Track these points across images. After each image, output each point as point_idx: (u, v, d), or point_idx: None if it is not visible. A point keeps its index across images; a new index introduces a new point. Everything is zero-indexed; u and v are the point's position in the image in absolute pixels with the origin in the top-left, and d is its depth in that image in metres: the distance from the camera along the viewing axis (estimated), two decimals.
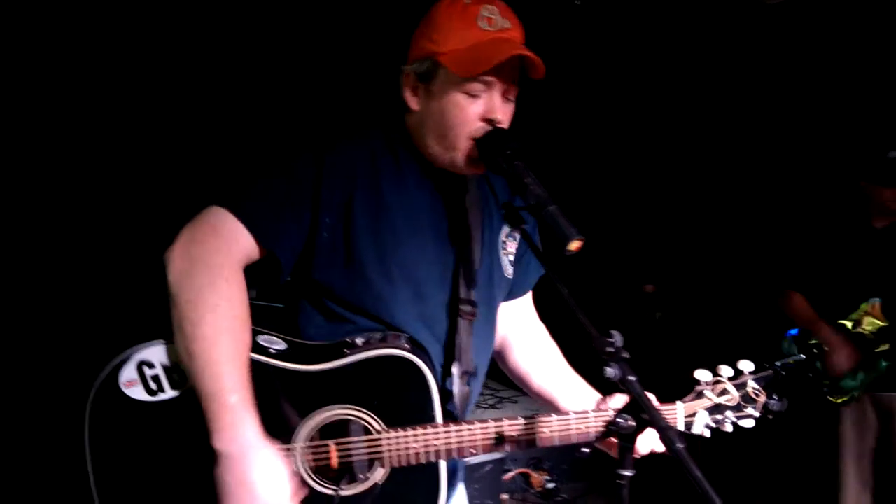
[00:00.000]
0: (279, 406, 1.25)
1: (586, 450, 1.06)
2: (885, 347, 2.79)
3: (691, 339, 4.90)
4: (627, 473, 1.05)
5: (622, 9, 4.48)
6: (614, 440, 1.30)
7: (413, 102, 1.31)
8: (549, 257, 1.20)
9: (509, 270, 1.47)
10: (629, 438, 1.04)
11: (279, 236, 1.26)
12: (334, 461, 1.24)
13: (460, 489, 1.49)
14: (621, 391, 1.06)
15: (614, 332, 1.07)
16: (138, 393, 1.23)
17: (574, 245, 1.12)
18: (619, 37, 4.90)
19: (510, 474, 3.71)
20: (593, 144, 5.83)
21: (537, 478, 3.88)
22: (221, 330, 1.16)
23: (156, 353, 1.23)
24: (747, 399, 1.36)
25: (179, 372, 1.22)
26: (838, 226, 2.96)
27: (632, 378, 1.02)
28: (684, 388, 1.39)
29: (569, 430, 1.30)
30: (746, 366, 1.38)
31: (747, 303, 4.48)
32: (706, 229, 5.96)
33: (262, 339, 1.28)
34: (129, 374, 1.23)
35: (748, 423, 1.37)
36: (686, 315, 5.41)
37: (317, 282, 1.31)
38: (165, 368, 1.23)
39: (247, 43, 3.66)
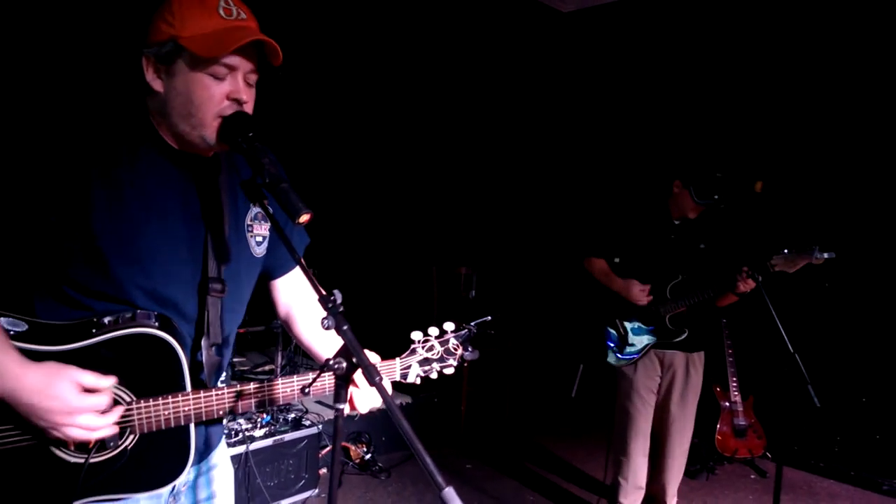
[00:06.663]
0: None
1: (345, 408, 1.27)
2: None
3: (504, 314, 5.31)
4: (341, 406, 1.24)
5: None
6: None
7: (156, 84, 1.36)
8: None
9: (257, 250, 1.56)
10: (344, 378, 1.21)
11: None
12: None
13: (221, 445, 1.61)
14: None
15: (336, 291, 1.22)
16: None
17: (303, 218, 1.26)
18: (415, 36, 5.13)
19: (327, 449, 3.78)
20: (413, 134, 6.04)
21: (356, 450, 4.02)
22: None
23: None
24: (448, 352, 1.65)
25: None
26: (644, 217, 3.43)
27: (345, 327, 1.18)
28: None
29: (293, 388, 1.48)
30: (449, 326, 1.66)
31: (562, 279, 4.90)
32: (520, 216, 6.43)
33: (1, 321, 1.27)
34: None
35: (449, 371, 1.66)
36: (498, 293, 5.85)
37: (54, 268, 1.31)
38: None
39: None
